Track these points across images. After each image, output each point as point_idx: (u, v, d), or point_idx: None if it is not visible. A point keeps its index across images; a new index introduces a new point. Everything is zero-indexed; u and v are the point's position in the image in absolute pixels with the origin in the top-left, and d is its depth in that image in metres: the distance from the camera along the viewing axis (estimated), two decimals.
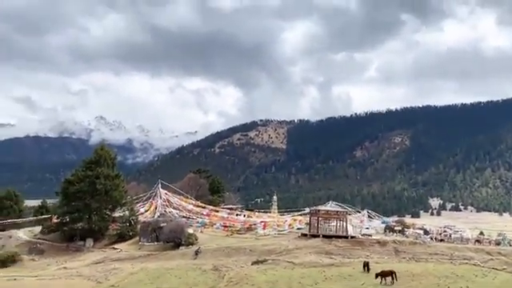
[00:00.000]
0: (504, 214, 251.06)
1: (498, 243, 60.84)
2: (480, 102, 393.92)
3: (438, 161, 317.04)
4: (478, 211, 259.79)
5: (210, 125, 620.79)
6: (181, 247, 53.43)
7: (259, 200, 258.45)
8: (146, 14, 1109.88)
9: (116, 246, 58.17)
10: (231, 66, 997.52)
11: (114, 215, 64.55)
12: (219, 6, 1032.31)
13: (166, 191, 73.32)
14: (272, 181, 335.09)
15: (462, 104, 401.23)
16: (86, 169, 63.50)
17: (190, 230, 57.91)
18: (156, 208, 69.50)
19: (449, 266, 39.51)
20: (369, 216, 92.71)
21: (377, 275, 32.99)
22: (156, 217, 64.90)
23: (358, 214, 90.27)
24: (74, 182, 62.23)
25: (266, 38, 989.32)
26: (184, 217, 66.24)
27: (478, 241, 58.19)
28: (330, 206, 73.68)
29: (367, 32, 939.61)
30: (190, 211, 69.40)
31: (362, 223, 79.63)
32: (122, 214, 63.78)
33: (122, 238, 60.24)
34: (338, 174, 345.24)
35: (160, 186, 73.31)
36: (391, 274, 32.56)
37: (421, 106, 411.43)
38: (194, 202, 71.72)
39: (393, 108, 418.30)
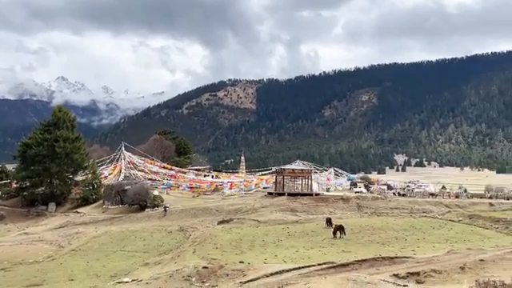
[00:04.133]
0: (465, 168, 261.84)
1: (457, 196, 63.47)
2: (445, 59, 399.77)
3: (404, 118, 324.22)
4: (441, 166, 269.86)
5: (176, 84, 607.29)
6: (146, 209, 52.96)
7: (229, 161, 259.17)
8: None
9: (79, 209, 57.09)
10: (196, 23, 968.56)
11: (76, 179, 63.08)
12: None
13: (130, 154, 71.96)
14: (242, 141, 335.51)
15: (427, 61, 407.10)
16: (44, 131, 61.20)
17: (156, 192, 57.38)
18: (120, 171, 68.29)
19: (408, 219, 40.61)
20: (335, 173, 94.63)
21: (334, 232, 33.73)
22: (120, 180, 63.83)
23: (325, 172, 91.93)
24: (32, 145, 60.01)
25: None
26: (150, 179, 65.47)
27: (432, 194, 60.40)
28: (297, 165, 74.55)
29: None
30: (155, 173, 68.59)
31: (329, 181, 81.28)
32: (84, 178, 62.32)
33: (85, 201, 59.12)
34: (307, 133, 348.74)
35: (124, 148, 71.84)
36: (340, 228, 33.41)
37: (387, 63, 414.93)
38: (159, 164, 70.83)
39: (360, 66, 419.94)
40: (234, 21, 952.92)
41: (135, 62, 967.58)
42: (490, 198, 60.83)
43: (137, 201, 54.39)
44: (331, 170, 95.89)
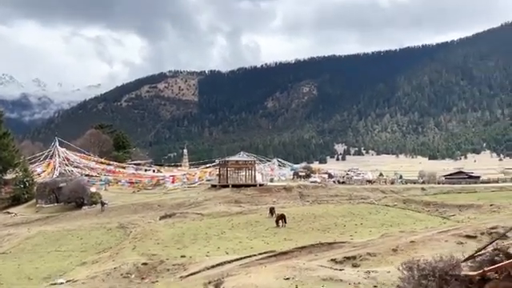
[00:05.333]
0: (400, 155, 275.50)
1: (392, 182, 66.58)
2: (380, 52, 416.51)
3: (343, 109, 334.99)
4: (378, 154, 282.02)
5: (114, 76, 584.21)
6: (83, 207, 50.87)
7: (172, 155, 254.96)
8: None
9: (10, 210, 53.81)
10: (133, 13, 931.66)
11: (5, 177, 59.27)
12: None
13: (65, 149, 68.63)
14: (185, 134, 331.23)
15: (363, 53, 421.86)
16: None
17: (93, 189, 55.26)
18: (54, 168, 65.02)
19: (347, 205, 41.94)
20: (279, 164, 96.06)
21: (276, 221, 34.11)
22: (54, 177, 60.82)
23: (269, 163, 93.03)
24: None
25: None
26: (86, 175, 62.89)
27: (369, 181, 63.08)
28: (241, 156, 74.88)
29: None
30: (92, 169, 65.98)
31: (273, 171, 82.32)
32: (14, 176, 58.72)
33: (16, 201, 55.93)
34: (250, 124, 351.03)
35: (57, 143, 68.35)
36: (282, 217, 33.91)
37: (326, 55, 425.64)
38: (96, 160, 68.18)
39: (301, 58, 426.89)
40: (172, 11, 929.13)
41: (68, 53, 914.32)
42: (423, 183, 64.24)
43: (73, 198, 52.16)
44: (275, 160, 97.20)
